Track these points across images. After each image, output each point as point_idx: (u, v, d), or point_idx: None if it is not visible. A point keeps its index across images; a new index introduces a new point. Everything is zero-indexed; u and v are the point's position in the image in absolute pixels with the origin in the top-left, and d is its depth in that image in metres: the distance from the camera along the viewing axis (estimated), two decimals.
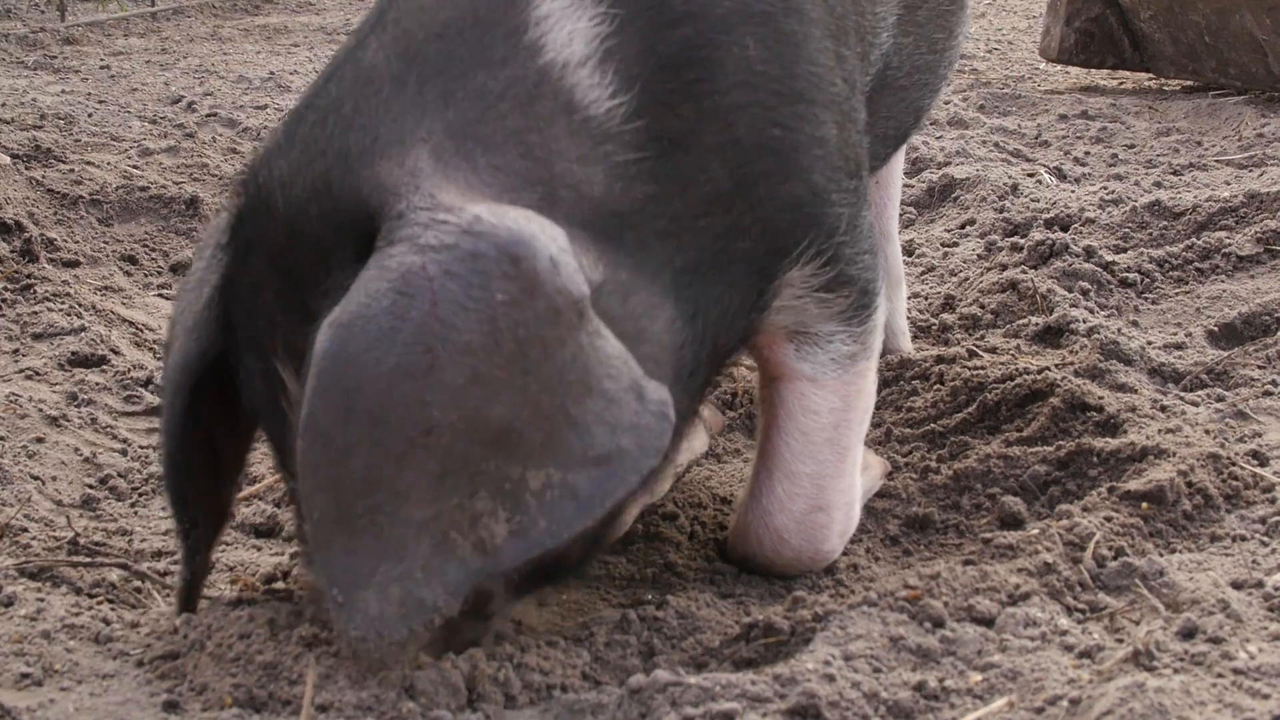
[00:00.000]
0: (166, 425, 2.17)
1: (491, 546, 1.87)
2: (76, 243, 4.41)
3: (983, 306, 3.80)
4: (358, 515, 1.86)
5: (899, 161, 3.61)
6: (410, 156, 1.97)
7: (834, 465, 2.44)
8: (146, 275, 4.40)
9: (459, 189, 1.95)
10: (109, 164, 5.02)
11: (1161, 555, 2.39)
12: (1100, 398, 2.94)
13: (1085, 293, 3.83)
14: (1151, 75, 6.33)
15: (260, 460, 3.06)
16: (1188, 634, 2.10)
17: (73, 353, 3.52)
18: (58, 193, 4.66)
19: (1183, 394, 3.12)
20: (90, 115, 5.97)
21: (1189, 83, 6.19)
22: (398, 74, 2.06)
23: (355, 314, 1.85)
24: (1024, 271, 3.94)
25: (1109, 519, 2.45)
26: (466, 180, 1.96)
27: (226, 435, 2.29)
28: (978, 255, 4.23)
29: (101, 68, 7.39)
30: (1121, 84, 6.72)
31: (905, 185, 4.95)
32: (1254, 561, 2.37)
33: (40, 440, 3.04)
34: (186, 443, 2.18)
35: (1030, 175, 5.05)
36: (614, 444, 1.90)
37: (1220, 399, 3.05)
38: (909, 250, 4.41)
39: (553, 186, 2.01)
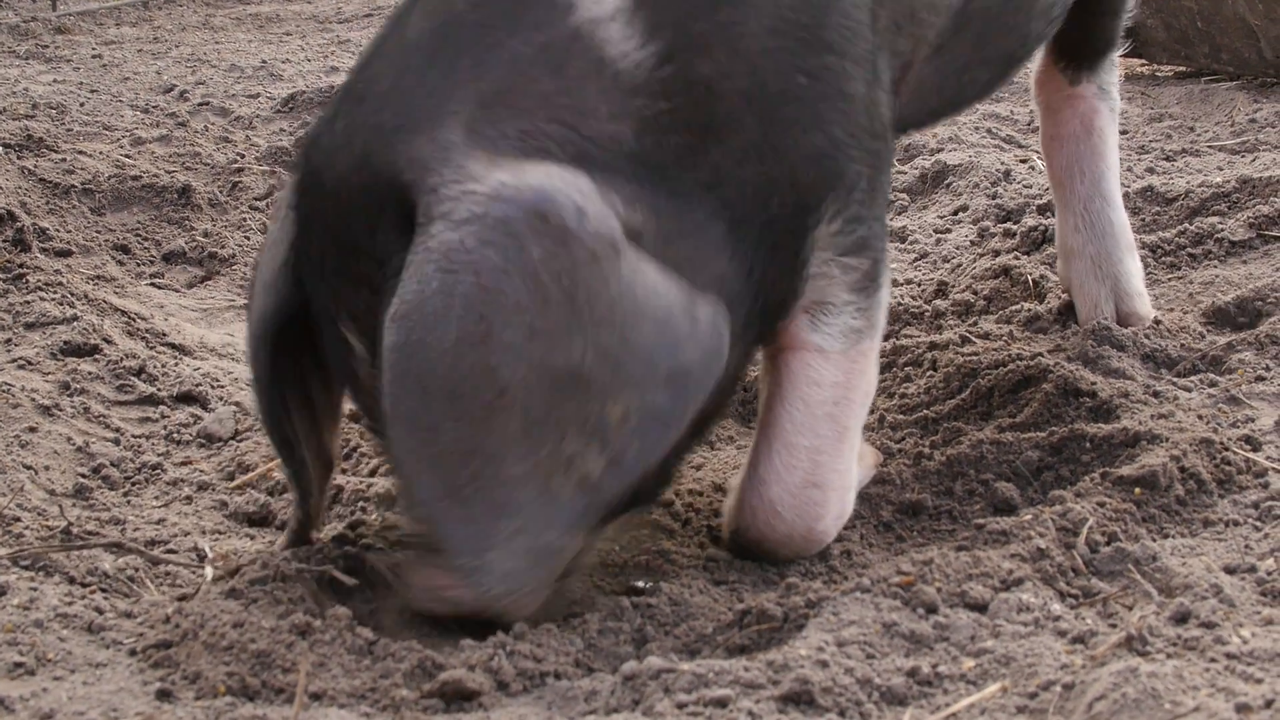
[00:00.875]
0: (256, 375, 2.31)
1: (592, 481, 2.02)
2: (69, 232, 4.40)
3: (975, 293, 3.80)
4: (463, 486, 1.99)
5: (1103, 116, 3.49)
6: (443, 130, 2.05)
7: (832, 443, 2.44)
8: (139, 264, 4.39)
9: (488, 159, 2.02)
10: (101, 153, 5.01)
11: (1154, 540, 2.39)
12: (1093, 383, 2.95)
13: None
14: (1144, 61, 6.31)
15: (252, 450, 3.06)
16: (1180, 619, 2.10)
17: (65, 342, 3.51)
18: (50, 182, 4.65)
19: (1175, 379, 3.12)
20: (82, 104, 5.96)
21: (1181, 68, 6.18)
22: (435, 46, 2.14)
23: (410, 302, 1.97)
24: (1017, 257, 3.94)
25: (1102, 504, 2.45)
26: (497, 149, 2.03)
27: (319, 382, 2.41)
28: (970, 241, 4.23)
29: (93, 57, 7.38)
30: None
31: (896, 172, 4.95)
32: (1247, 546, 2.37)
33: (33, 430, 3.04)
34: (279, 390, 2.31)
35: (1023, 161, 5.04)
36: (678, 359, 2.02)
37: (1213, 384, 3.06)
38: (901, 237, 4.41)
39: (584, 148, 2.07)
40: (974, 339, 3.37)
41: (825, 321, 2.40)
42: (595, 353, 1.98)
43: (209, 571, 2.39)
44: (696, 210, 2.16)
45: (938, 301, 3.79)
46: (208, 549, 2.53)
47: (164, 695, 2.04)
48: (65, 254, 4.24)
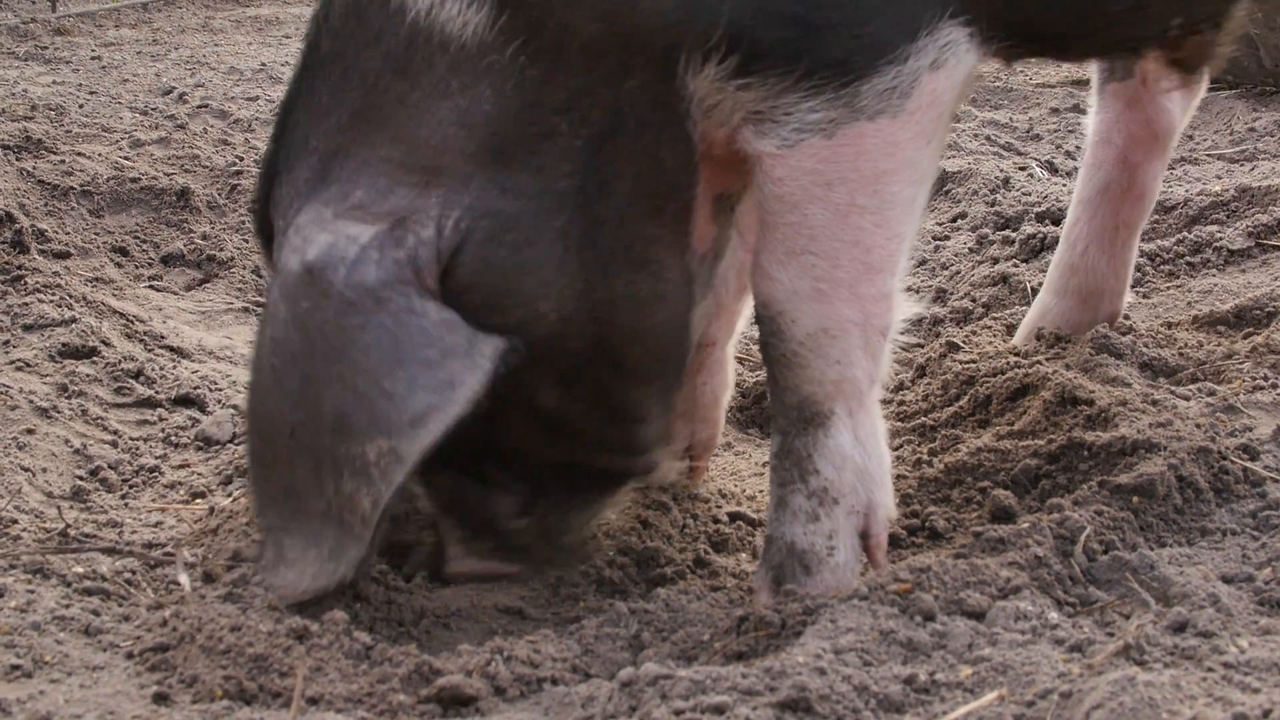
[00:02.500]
0: None
1: (368, 519, 2.14)
2: (67, 234, 4.40)
3: (974, 300, 3.81)
4: (288, 521, 2.23)
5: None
6: (299, 170, 2.25)
7: None
8: (137, 267, 4.40)
9: (320, 204, 2.21)
10: (100, 155, 5.01)
11: (1152, 549, 2.39)
12: (1091, 391, 2.94)
13: None
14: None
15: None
16: (1178, 628, 2.10)
17: (63, 344, 3.51)
18: (48, 184, 4.65)
19: (1174, 388, 3.12)
20: (81, 106, 5.95)
21: None
22: (302, 81, 2.30)
23: (252, 351, 2.27)
24: (1015, 265, 3.94)
25: (1100, 513, 2.45)
26: (349, 179, 2.22)
27: None
28: (969, 249, 4.23)
29: (93, 58, 7.38)
30: None
31: None
32: (1244, 556, 2.37)
33: (30, 432, 3.04)
34: None
35: (1022, 169, 5.05)
36: (426, 403, 2.11)
37: (1211, 393, 3.05)
38: None
39: (443, 131, 2.20)
40: (972, 346, 3.37)
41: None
42: (354, 397, 2.13)
43: (185, 580, 2.38)
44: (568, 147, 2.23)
45: (936, 308, 3.79)
46: (186, 555, 2.52)
47: (161, 698, 2.04)
48: (64, 256, 4.24)
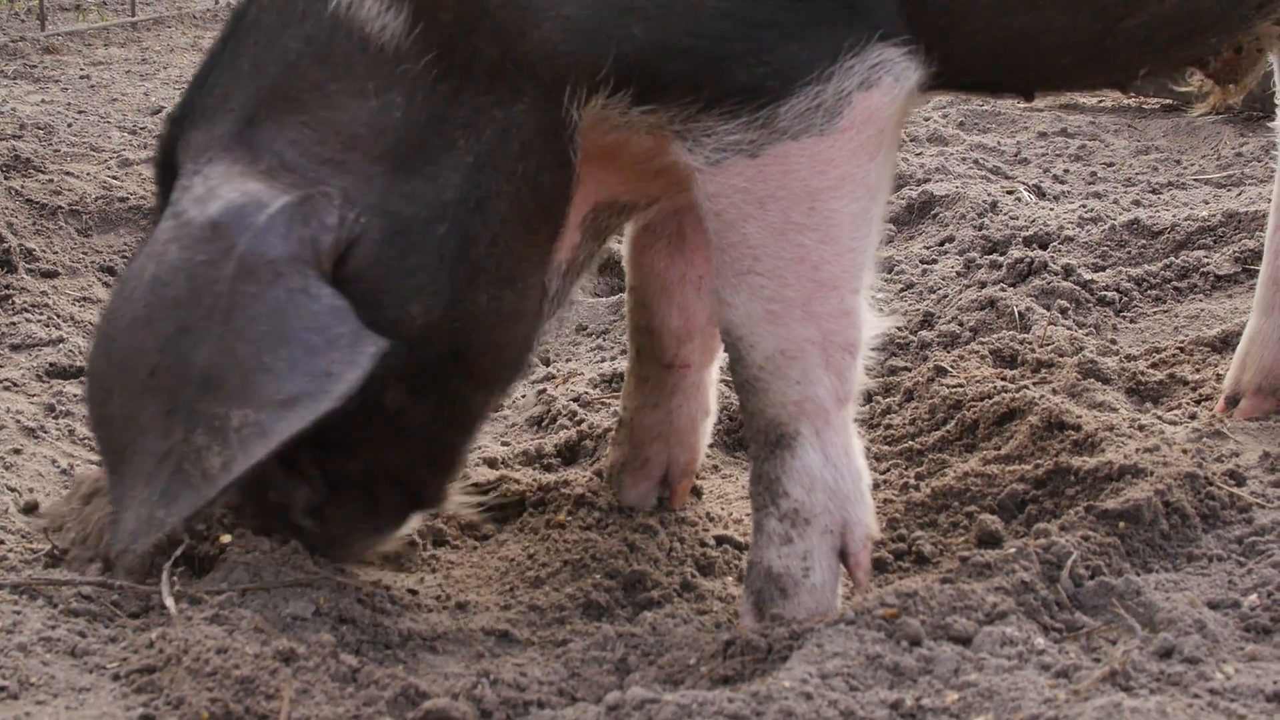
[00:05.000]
0: None
1: (210, 476, 2.16)
2: (55, 253, 4.40)
3: (961, 324, 3.81)
4: (123, 448, 2.24)
5: None
6: (218, 123, 2.29)
7: None
8: None
9: (232, 160, 2.26)
10: (88, 174, 5.01)
11: (1138, 575, 2.39)
12: (1078, 416, 2.95)
13: (1064, 311, 3.84)
14: (1131, 93, 6.34)
15: None
16: (1164, 654, 2.10)
17: (51, 364, 3.51)
18: (37, 203, 4.65)
19: (1160, 413, 3.12)
20: (70, 125, 5.96)
21: (1168, 101, 6.20)
22: (224, 47, 2.35)
23: (122, 276, 2.30)
24: (1003, 289, 3.95)
25: (1086, 538, 2.45)
26: (263, 146, 2.27)
27: None
28: (957, 272, 4.24)
29: (81, 77, 7.38)
30: (1101, 102, 6.74)
31: None
32: (1231, 582, 2.37)
33: (18, 452, 3.03)
34: None
35: (1009, 193, 5.06)
36: (301, 388, 2.14)
37: (1197, 418, 3.06)
38: (888, 267, 4.42)
39: (354, 128, 2.26)
40: (959, 370, 3.38)
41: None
42: (231, 360, 2.16)
43: (170, 602, 2.37)
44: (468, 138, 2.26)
45: (924, 332, 3.80)
46: (166, 576, 2.51)
47: None
48: (51, 275, 4.23)
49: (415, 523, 2.61)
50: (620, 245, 2.87)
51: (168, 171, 2.36)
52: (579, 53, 2.19)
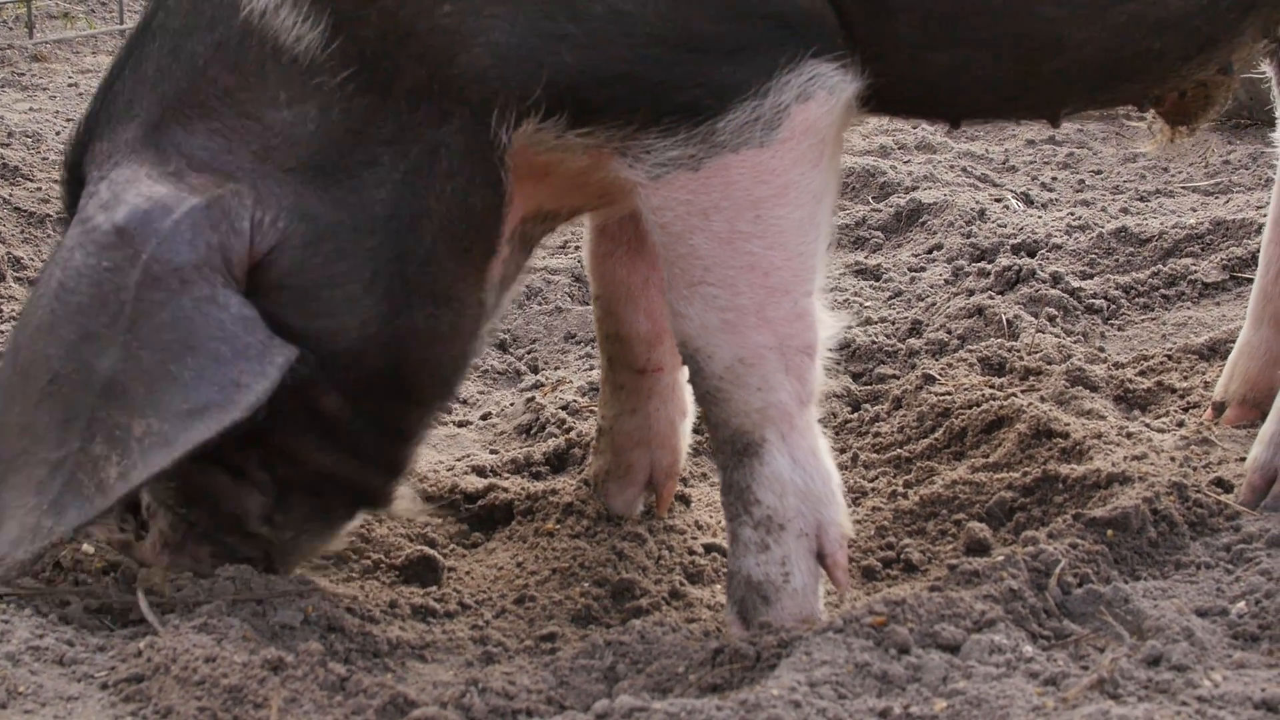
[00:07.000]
0: None
1: (106, 487, 2.15)
2: (43, 262, 4.39)
3: (950, 332, 3.81)
4: (16, 456, 2.21)
5: None
6: (121, 131, 2.27)
7: None
8: None
9: (139, 166, 2.23)
10: None
11: (1126, 582, 2.40)
12: (1066, 424, 2.95)
13: (1052, 319, 3.85)
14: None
15: None
16: (1152, 662, 2.10)
17: None
18: (25, 211, 4.64)
19: (1148, 421, 3.13)
20: (58, 133, 5.94)
21: None
22: (130, 53, 2.32)
23: (35, 283, 2.29)
24: (991, 297, 3.95)
25: (1074, 545, 2.45)
26: (171, 151, 2.25)
27: None
28: (945, 280, 4.25)
29: (70, 85, 7.37)
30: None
31: (871, 210, 4.96)
32: (1218, 589, 2.38)
33: None
34: None
35: (998, 200, 5.07)
36: (208, 398, 2.14)
37: (1185, 426, 3.07)
38: (875, 275, 4.42)
39: (266, 138, 2.24)
40: (948, 378, 3.38)
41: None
42: (135, 368, 2.15)
43: (146, 609, 2.37)
44: (382, 172, 2.26)
45: (912, 340, 3.80)
46: (142, 591, 2.50)
47: None
48: None
49: (358, 521, 2.62)
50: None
51: (75, 183, 2.33)
52: (508, 78, 2.19)
